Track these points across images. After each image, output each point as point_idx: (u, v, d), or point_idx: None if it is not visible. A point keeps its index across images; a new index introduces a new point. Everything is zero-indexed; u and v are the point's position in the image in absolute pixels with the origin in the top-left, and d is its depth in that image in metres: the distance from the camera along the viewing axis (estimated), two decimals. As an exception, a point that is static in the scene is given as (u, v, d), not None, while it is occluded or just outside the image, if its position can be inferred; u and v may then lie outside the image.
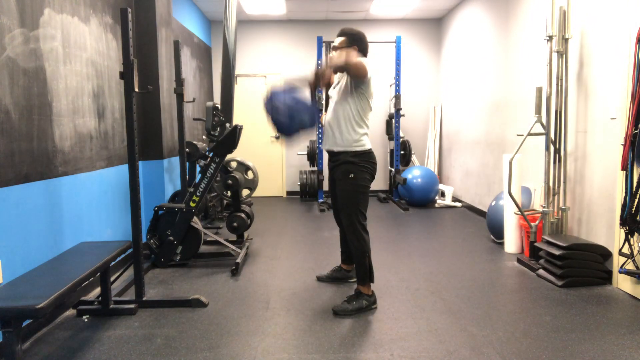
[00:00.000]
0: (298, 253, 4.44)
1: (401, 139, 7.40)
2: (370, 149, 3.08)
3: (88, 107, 3.45)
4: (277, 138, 7.97)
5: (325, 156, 7.25)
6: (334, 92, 3.13)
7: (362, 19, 7.73)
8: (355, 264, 3.08)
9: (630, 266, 3.18)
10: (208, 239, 4.38)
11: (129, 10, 2.91)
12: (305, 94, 2.86)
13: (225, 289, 3.47)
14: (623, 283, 3.32)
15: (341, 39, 3.12)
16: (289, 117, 2.78)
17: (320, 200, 7.02)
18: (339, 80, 3.10)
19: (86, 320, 2.94)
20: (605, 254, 3.46)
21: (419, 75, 8.00)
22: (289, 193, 8.12)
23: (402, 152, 7.44)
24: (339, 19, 7.73)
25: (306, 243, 4.82)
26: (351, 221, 3.01)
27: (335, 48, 3.13)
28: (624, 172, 3.16)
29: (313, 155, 7.27)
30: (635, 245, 3.11)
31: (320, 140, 6.97)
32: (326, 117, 3.15)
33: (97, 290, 3.17)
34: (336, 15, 7.54)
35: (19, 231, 2.60)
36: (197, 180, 4.54)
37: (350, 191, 3.02)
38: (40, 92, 2.83)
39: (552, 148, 3.94)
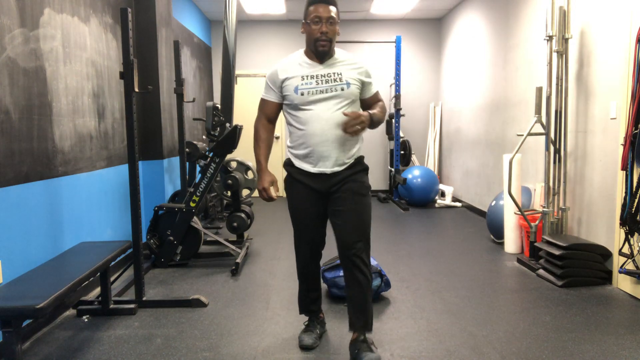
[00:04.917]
0: (298, 253, 4.44)
1: (401, 139, 7.40)
2: None
3: (88, 107, 3.45)
4: (276, 138, 7.97)
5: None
6: (324, 92, 2.32)
7: (362, 18, 7.73)
8: (364, 302, 2.36)
9: (630, 266, 3.17)
10: (208, 239, 4.38)
11: (129, 10, 2.91)
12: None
13: (225, 289, 3.47)
14: (623, 283, 3.32)
15: (335, 9, 2.35)
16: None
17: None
18: (330, 72, 2.35)
19: (86, 320, 2.94)
20: (605, 254, 3.45)
21: (419, 75, 8.00)
22: (289, 193, 8.11)
23: (402, 152, 7.44)
24: (339, 19, 7.73)
25: (306, 243, 4.82)
26: (367, 244, 2.37)
27: (333, 21, 2.33)
28: (624, 172, 3.16)
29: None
30: (635, 245, 3.11)
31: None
32: (319, 126, 2.32)
33: (97, 290, 3.17)
34: (336, 15, 7.53)
35: (19, 231, 2.60)
36: (197, 180, 4.54)
37: (369, 206, 2.41)
38: (40, 92, 2.83)
39: (552, 148, 3.94)
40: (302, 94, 2.32)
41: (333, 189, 2.37)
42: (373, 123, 2.34)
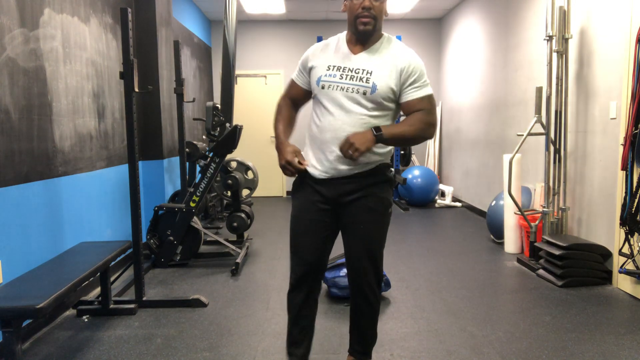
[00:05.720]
0: (298, 253, 4.43)
1: (401, 139, 7.39)
2: None
3: (88, 107, 3.45)
4: None
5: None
6: (344, 90, 1.94)
7: (362, 19, 7.72)
8: (367, 330, 2.17)
9: (630, 266, 3.17)
10: (208, 239, 4.38)
11: (129, 10, 2.91)
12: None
13: (225, 289, 3.47)
14: (623, 283, 3.32)
15: None
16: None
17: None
18: (360, 69, 1.95)
19: (86, 320, 2.94)
20: (605, 254, 3.45)
21: (419, 75, 7.99)
22: (289, 193, 8.12)
23: (402, 152, 7.44)
24: (339, 19, 7.73)
25: (306, 243, 4.81)
26: (379, 270, 2.10)
27: None
28: (624, 172, 3.16)
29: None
30: (635, 245, 3.11)
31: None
32: (332, 126, 1.96)
33: (97, 290, 3.17)
34: (336, 15, 7.53)
35: (19, 231, 2.60)
36: (197, 180, 4.54)
37: (385, 225, 2.08)
38: (40, 92, 2.83)
39: (552, 148, 3.94)
40: (323, 87, 1.97)
41: (345, 199, 1.99)
42: (390, 143, 1.98)
